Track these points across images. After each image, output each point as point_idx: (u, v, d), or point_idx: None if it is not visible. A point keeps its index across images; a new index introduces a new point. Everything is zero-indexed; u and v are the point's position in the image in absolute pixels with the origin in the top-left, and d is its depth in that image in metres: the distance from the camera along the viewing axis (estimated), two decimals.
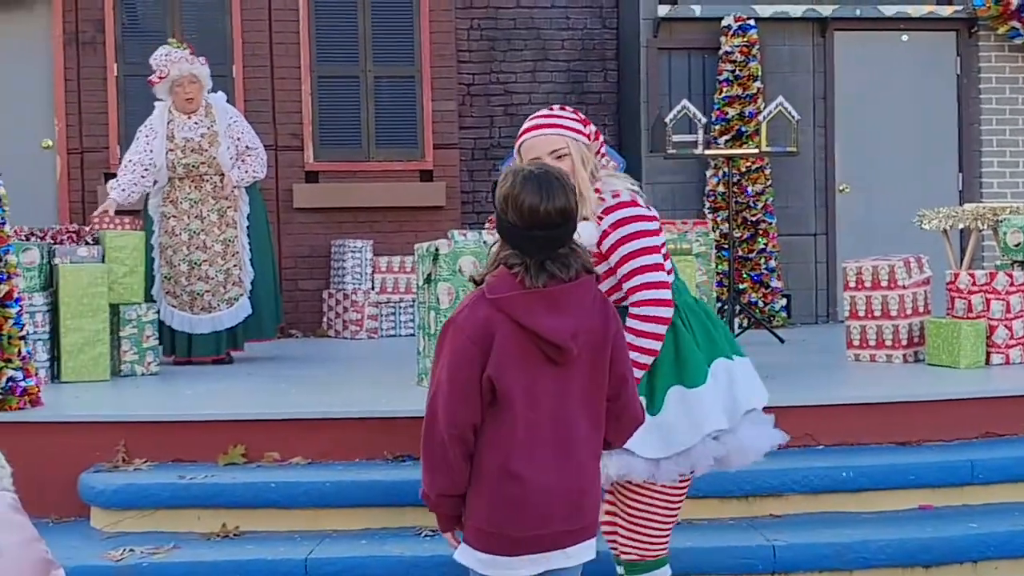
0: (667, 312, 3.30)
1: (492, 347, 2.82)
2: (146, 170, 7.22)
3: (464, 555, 2.92)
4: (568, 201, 2.87)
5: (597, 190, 3.41)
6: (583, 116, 3.54)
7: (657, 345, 3.29)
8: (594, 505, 2.98)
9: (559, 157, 3.36)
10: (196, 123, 7.24)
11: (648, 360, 3.29)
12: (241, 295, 7.28)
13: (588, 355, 2.89)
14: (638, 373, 3.23)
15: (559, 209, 2.84)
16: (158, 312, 7.06)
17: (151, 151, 7.19)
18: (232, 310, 7.25)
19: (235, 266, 7.27)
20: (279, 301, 7.64)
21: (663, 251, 3.39)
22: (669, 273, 3.40)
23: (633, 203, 3.39)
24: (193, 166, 7.20)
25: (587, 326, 2.88)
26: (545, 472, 2.85)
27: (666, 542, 3.50)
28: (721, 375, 3.38)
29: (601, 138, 3.56)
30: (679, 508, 3.49)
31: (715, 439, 3.33)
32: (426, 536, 4.58)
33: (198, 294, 7.23)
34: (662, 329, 3.29)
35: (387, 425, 5.09)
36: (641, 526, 3.45)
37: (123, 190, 7.20)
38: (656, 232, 3.39)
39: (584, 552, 2.95)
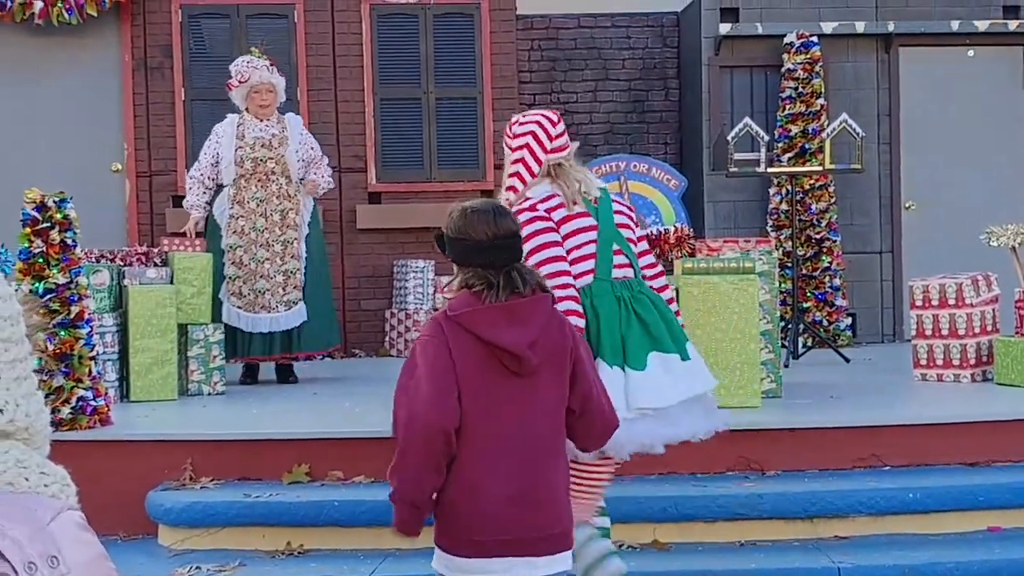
0: (571, 306, 3.76)
1: (449, 356, 3.04)
2: (207, 189, 7.35)
3: (436, 561, 3.11)
4: (515, 226, 3.24)
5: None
6: (518, 124, 4.16)
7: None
8: (563, 513, 3.12)
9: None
10: (267, 126, 7.37)
11: None
12: (300, 300, 7.34)
13: (549, 367, 3.10)
14: None
15: (510, 231, 3.18)
16: (222, 315, 7.15)
17: (213, 164, 7.32)
18: (290, 313, 7.31)
19: (296, 269, 7.34)
20: (334, 315, 7.70)
21: (552, 250, 3.87)
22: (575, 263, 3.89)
23: (520, 211, 3.85)
24: (261, 161, 7.29)
25: (545, 338, 3.10)
26: (507, 480, 3.04)
27: (587, 512, 3.88)
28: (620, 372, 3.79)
29: (525, 140, 4.09)
30: (598, 483, 3.91)
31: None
32: None
33: (260, 292, 7.29)
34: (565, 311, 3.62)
35: None
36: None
37: (199, 206, 7.37)
38: (535, 231, 3.87)
39: (556, 563, 3.07)
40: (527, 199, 3.98)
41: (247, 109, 7.41)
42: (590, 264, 3.96)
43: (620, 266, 4.00)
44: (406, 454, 3.04)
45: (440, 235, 3.27)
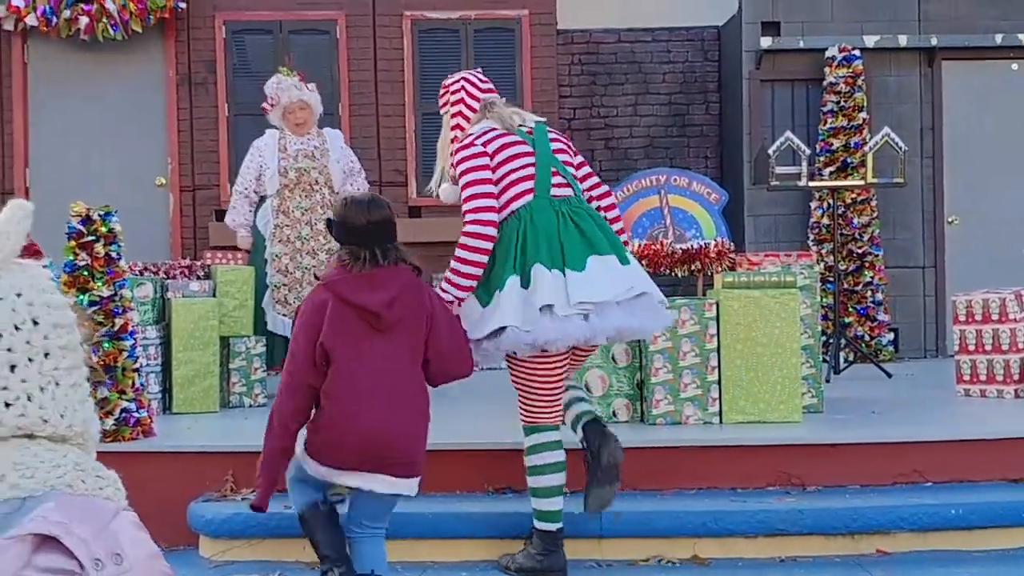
0: (480, 229, 4.26)
1: (324, 321, 3.90)
2: (252, 204, 7.43)
3: (300, 455, 4.03)
4: (387, 212, 4.07)
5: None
6: (448, 83, 4.77)
7: (467, 255, 4.27)
8: (417, 447, 3.98)
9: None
10: (308, 139, 7.44)
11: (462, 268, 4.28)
12: None
13: (405, 324, 3.97)
14: (462, 282, 4.29)
15: (383, 217, 4.04)
16: (267, 323, 7.20)
17: (256, 177, 7.39)
18: None
19: None
20: None
21: (478, 173, 4.34)
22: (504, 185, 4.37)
23: (460, 148, 4.45)
24: (305, 171, 7.35)
25: (401, 301, 3.96)
26: (369, 413, 3.87)
27: (545, 412, 4.40)
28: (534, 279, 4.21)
29: (460, 92, 4.67)
30: (546, 383, 4.35)
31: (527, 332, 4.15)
32: None
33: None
34: (474, 242, 4.26)
35: (489, 457, 5.12)
36: (520, 394, 4.42)
37: (248, 225, 7.43)
38: (464, 159, 4.39)
39: (399, 486, 3.94)
40: (468, 135, 4.49)
41: (286, 128, 7.48)
42: (530, 184, 4.39)
43: (558, 186, 4.44)
44: (275, 415, 4.04)
45: (328, 220, 4.10)
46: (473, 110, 4.62)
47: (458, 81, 4.73)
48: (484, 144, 4.41)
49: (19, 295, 1.19)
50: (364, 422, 3.86)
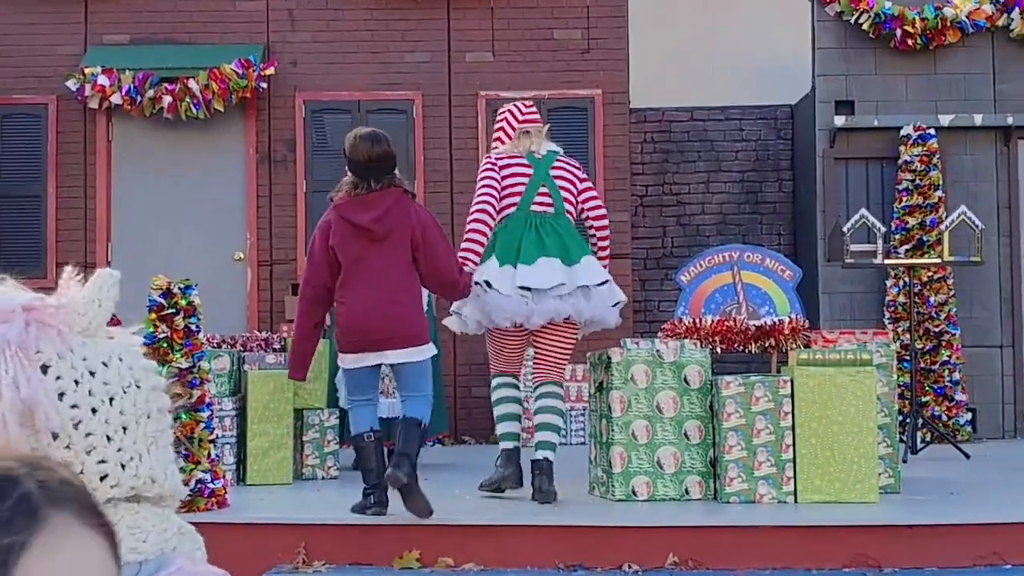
0: (473, 226, 5.84)
1: (331, 234, 5.18)
2: None
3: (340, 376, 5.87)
4: (386, 148, 5.22)
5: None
6: (500, 110, 6.28)
7: (464, 244, 5.87)
8: (408, 325, 5.21)
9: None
10: None
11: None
12: None
13: (395, 235, 5.17)
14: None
15: (382, 152, 5.20)
16: (338, 398, 7.26)
17: None
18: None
19: None
20: (444, 401, 7.75)
21: (485, 186, 5.88)
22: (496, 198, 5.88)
23: (484, 163, 6.07)
24: None
25: (389, 217, 5.17)
26: (366, 303, 5.13)
27: (501, 366, 6.05)
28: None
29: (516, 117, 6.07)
30: (503, 348, 5.97)
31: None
32: None
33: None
34: (468, 235, 5.86)
35: (560, 534, 5.10)
36: (489, 354, 6.16)
37: None
38: (480, 172, 5.98)
39: (403, 355, 5.21)
40: (490, 155, 6.04)
41: None
42: (516, 199, 5.84)
43: (541, 203, 5.84)
44: (297, 306, 5.43)
45: (343, 150, 5.30)
46: (509, 136, 5.98)
47: (505, 111, 6.11)
48: (498, 164, 5.90)
49: (121, 359, 1.23)
50: (360, 308, 5.13)
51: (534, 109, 6.20)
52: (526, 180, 5.81)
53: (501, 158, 5.91)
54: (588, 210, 5.99)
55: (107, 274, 1.26)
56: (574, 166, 6.05)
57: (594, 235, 6.03)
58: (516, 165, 5.84)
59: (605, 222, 6.08)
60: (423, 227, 5.24)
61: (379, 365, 5.33)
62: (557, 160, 5.94)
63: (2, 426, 1.11)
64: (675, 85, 10.74)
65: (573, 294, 5.67)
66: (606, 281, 5.81)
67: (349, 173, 5.25)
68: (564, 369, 6.04)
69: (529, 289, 5.63)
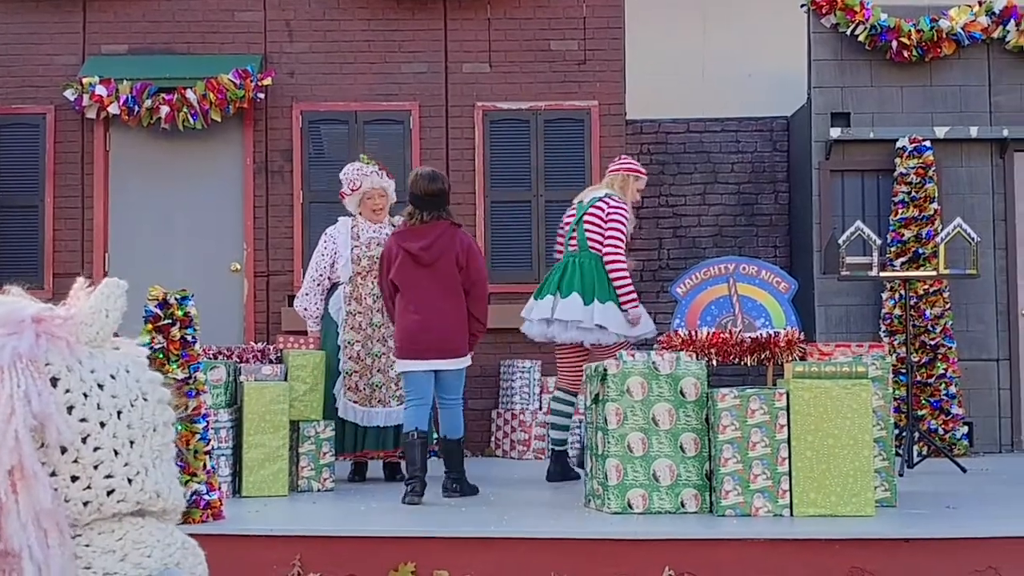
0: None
1: (391, 259, 6.40)
2: (324, 292, 7.55)
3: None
4: (440, 186, 6.45)
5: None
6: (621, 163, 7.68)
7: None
8: (453, 340, 6.32)
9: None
10: (380, 227, 7.56)
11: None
12: None
13: (441, 261, 6.28)
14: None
15: (437, 189, 6.42)
16: (338, 409, 7.26)
17: (330, 264, 7.51)
18: (401, 407, 7.40)
19: None
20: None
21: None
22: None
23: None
24: (377, 259, 7.47)
25: (436, 245, 6.29)
26: (415, 318, 6.27)
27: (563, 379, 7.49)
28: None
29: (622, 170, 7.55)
30: (562, 362, 7.44)
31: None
32: None
33: (377, 386, 7.40)
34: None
35: (555, 546, 5.09)
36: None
37: (317, 318, 7.55)
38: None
39: (441, 364, 6.35)
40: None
41: (360, 213, 7.62)
42: (561, 242, 7.48)
43: (572, 245, 7.26)
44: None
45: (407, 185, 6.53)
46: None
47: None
48: (569, 210, 7.46)
49: (128, 371, 1.22)
50: (410, 323, 6.27)
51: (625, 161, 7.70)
52: (568, 225, 7.47)
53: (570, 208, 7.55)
54: (605, 252, 7.22)
55: (114, 284, 1.25)
56: (604, 208, 7.25)
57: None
58: (570, 213, 7.51)
59: (610, 259, 7.15)
60: (467, 254, 6.34)
61: (430, 372, 6.33)
62: (593, 207, 7.29)
63: (15, 442, 1.10)
64: (671, 96, 10.75)
65: (554, 323, 7.14)
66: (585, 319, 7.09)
67: (408, 209, 6.52)
68: (564, 378, 7.43)
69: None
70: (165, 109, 9.38)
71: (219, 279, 9.67)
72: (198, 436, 5.54)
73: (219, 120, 9.45)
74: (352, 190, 7.61)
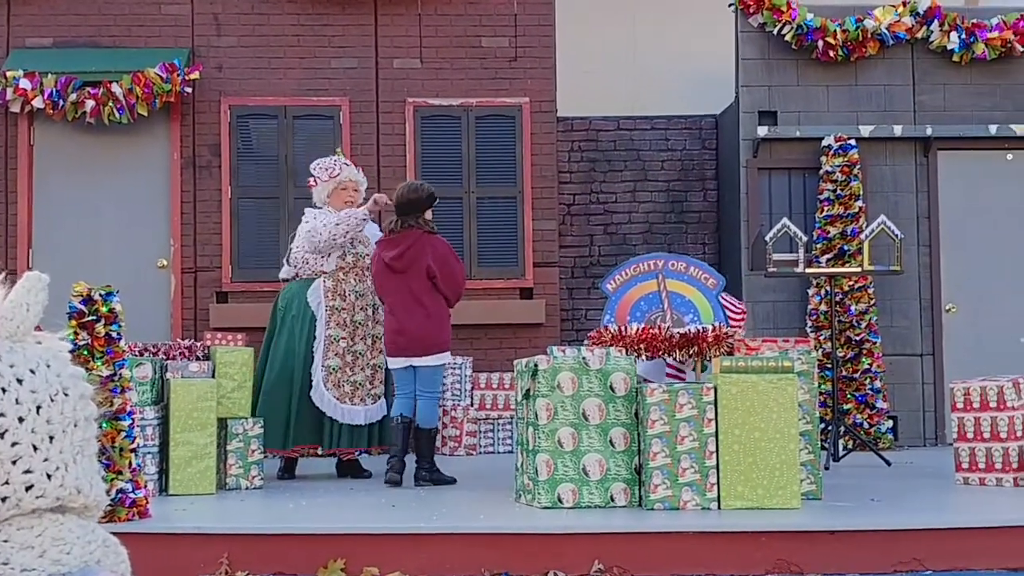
0: None
1: (374, 267, 6.97)
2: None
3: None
4: (414, 195, 6.87)
5: None
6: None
7: None
8: (425, 339, 6.83)
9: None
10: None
11: None
12: (382, 395, 7.42)
13: (413, 268, 6.75)
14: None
15: (415, 198, 6.87)
16: (315, 401, 7.22)
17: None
18: (376, 406, 7.39)
19: (382, 365, 7.41)
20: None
21: None
22: None
23: None
24: (361, 257, 7.44)
25: (407, 255, 6.74)
26: (395, 321, 6.87)
27: None
28: None
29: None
30: None
31: None
32: None
33: (359, 384, 7.36)
34: None
35: (486, 541, 5.10)
36: None
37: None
38: None
39: (423, 360, 6.85)
40: None
41: (328, 205, 7.52)
42: None
43: None
44: None
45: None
46: None
47: None
48: None
49: (48, 366, 1.20)
50: (390, 325, 6.91)
51: None
52: None
53: None
54: None
55: (35, 277, 1.23)
56: None
57: None
58: None
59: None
60: (439, 261, 6.80)
61: (409, 367, 6.87)
62: None
63: None
64: (602, 94, 10.81)
65: None
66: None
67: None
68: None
69: None
70: (91, 103, 9.23)
71: (146, 275, 9.55)
72: (123, 434, 5.46)
73: (146, 114, 9.33)
74: (330, 176, 7.53)
